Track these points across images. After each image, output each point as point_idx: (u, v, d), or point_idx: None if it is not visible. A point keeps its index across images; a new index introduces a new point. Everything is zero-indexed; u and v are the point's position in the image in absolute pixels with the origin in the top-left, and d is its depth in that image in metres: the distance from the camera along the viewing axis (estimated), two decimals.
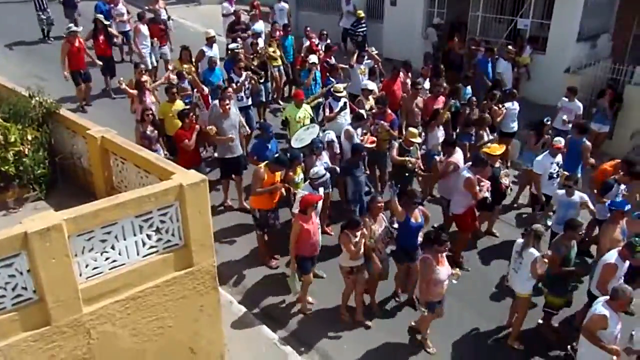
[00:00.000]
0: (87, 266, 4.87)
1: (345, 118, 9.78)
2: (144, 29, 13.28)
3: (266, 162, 7.67)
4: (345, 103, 9.80)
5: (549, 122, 9.50)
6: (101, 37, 12.74)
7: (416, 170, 8.86)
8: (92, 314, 4.92)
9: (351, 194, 8.25)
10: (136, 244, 5.11)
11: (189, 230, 5.31)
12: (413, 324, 7.02)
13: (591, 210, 7.59)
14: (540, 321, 7.05)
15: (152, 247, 5.21)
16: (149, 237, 5.16)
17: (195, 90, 10.39)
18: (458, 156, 8.53)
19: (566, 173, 8.22)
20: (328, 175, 7.86)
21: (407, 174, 8.62)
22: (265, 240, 8.04)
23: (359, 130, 9.11)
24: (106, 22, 13.19)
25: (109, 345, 5.12)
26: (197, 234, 5.36)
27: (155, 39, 13.53)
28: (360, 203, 8.24)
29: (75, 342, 4.90)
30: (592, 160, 9.03)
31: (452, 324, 7.01)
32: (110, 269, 5.01)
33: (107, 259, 4.96)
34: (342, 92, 9.87)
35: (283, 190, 7.79)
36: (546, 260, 6.33)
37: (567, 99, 10.59)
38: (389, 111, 9.77)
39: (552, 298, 6.70)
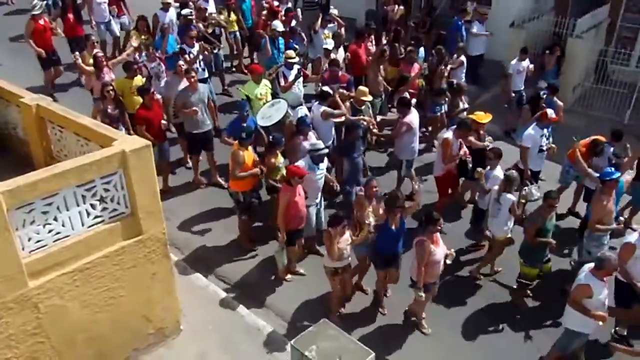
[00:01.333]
0: (29, 240, 4.71)
1: (299, 87, 9.43)
2: None
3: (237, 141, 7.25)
4: (299, 70, 9.37)
5: (545, 96, 9.04)
6: (70, 15, 11.48)
7: (370, 129, 8.74)
8: (38, 288, 4.80)
9: (347, 175, 7.96)
10: (80, 214, 4.97)
11: (135, 198, 5.19)
12: (407, 308, 6.72)
13: (482, 188, 7.26)
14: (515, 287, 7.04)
15: (97, 217, 5.08)
16: (93, 206, 5.02)
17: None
18: (413, 117, 8.37)
19: (553, 146, 8.04)
20: (326, 151, 7.37)
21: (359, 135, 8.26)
22: (248, 225, 7.72)
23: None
24: None
25: (59, 318, 5.03)
26: (144, 202, 5.25)
27: (114, 6, 12.50)
28: (357, 185, 7.85)
29: (24, 318, 4.79)
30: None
31: (440, 300, 6.87)
32: (54, 242, 4.87)
33: (50, 231, 4.81)
34: (293, 58, 9.42)
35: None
36: (523, 201, 6.96)
37: (518, 60, 10.34)
38: (341, 73, 9.59)
39: (526, 269, 6.69)
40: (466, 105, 9.35)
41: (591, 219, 6.64)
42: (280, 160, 7.46)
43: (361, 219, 6.35)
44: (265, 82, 9.10)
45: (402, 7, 13.05)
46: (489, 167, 7.28)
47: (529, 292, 6.98)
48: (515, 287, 6.95)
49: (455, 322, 6.69)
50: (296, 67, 9.39)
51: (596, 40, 12.24)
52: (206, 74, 10.14)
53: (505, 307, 6.91)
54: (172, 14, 11.36)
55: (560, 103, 8.98)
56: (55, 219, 4.82)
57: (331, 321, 6.13)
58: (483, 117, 8.24)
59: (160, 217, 5.49)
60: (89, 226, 5.06)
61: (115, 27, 12.43)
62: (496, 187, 6.95)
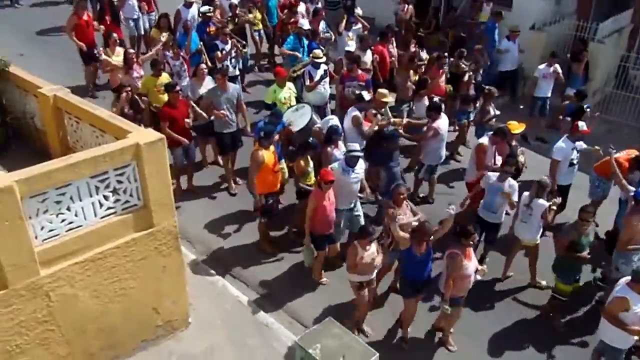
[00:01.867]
0: (42, 228, 4.77)
1: (325, 87, 9.30)
2: None
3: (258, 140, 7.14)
4: (325, 71, 9.22)
5: (589, 110, 8.80)
6: (107, 17, 11.15)
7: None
8: (50, 277, 4.86)
9: (384, 186, 7.66)
10: (93, 205, 5.02)
11: (147, 191, 5.23)
12: (432, 326, 6.55)
13: (511, 204, 6.98)
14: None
15: (109, 208, 5.12)
16: (106, 198, 5.07)
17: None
18: (442, 122, 8.22)
19: (597, 147, 7.73)
20: (361, 154, 7.14)
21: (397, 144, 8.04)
22: (268, 227, 7.62)
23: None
24: None
25: (69, 307, 5.08)
26: (156, 194, 5.29)
27: (143, 3, 12.26)
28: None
29: (34, 305, 4.85)
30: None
31: (466, 316, 6.66)
32: (67, 231, 4.92)
33: (63, 220, 4.86)
34: (321, 57, 9.20)
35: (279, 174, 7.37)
36: (554, 208, 6.88)
37: (547, 65, 10.12)
38: (360, 71, 9.47)
39: (560, 284, 6.55)
40: (497, 112, 9.14)
41: (621, 237, 6.46)
42: (311, 164, 7.34)
43: (392, 226, 6.22)
44: (289, 86, 8.89)
45: (411, 7, 12.93)
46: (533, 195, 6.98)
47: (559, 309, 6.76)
48: (548, 304, 6.80)
49: (481, 338, 6.52)
50: (323, 67, 9.24)
51: (618, 45, 12.08)
52: (237, 72, 10.13)
53: (534, 325, 6.75)
54: (194, 10, 11.34)
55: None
56: (69, 209, 4.87)
57: (360, 328, 6.18)
58: (517, 127, 8.03)
59: (172, 210, 5.53)
60: (102, 217, 5.11)
61: (143, 24, 12.29)
62: (526, 194, 6.95)
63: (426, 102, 9.18)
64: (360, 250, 5.85)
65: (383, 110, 8.47)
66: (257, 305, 6.69)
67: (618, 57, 11.92)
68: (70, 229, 4.94)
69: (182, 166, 8.38)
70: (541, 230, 7.01)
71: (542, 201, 6.77)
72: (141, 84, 8.81)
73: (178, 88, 8.10)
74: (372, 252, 5.92)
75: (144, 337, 5.82)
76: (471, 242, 5.89)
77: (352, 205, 7.15)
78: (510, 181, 7.02)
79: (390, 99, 8.76)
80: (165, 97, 8.21)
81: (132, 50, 9.55)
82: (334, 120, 8.13)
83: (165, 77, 8.81)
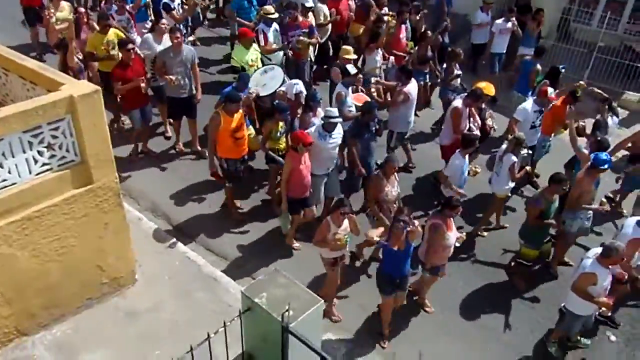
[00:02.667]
0: None
1: (279, 45, 8.97)
2: None
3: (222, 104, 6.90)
4: (276, 29, 8.90)
5: (564, 70, 8.84)
6: None
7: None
8: None
9: (358, 158, 7.37)
10: (27, 161, 4.82)
11: (85, 146, 5.04)
12: (409, 288, 6.47)
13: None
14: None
15: (45, 164, 4.93)
16: (40, 153, 4.86)
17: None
18: (412, 87, 8.06)
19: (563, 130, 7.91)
20: (340, 120, 6.94)
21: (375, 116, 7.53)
22: (232, 189, 7.43)
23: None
24: None
25: (8, 267, 4.93)
26: (94, 149, 5.11)
27: None
28: (369, 170, 7.40)
29: None
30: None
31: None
32: (0, 189, 4.72)
33: None
34: (272, 13, 8.82)
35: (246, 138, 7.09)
36: (528, 169, 7.31)
37: (505, 20, 10.19)
38: (301, 17, 9.25)
39: (526, 250, 6.68)
40: (460, 72, 9.08)
41: (571, 194, 6.58)
42: (280, 129, 7.12)
43: (381, 199, 6.17)
44: (255, 47, 8.45)
45: None
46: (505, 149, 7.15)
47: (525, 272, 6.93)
48: (512, 265, 6.97)
49: (452, 301, 6.66)
50: (275, 24, 8.88)
51: None
52: (184, 31, 9.60)
53: (503, 287, 6.91)
54: None
55: (539, 67, 8.89)
56: (1, 166, 4.66)
57: (328, 309, 6.14)
58: (490, 89, 7.95)
59: (112, 165, 5.36)
60: (37, 174, 4.92)
61: None
62: (504, 146, 7.12)
63: (378, 56, 9.00)
64: (333, 227, 5.69)
65: (349, 67, 8.13)
66: (206, 260, 6.68)
67: (560, 10, 12.14)
68: (4, 187, 4.73)
69: (141, 129, 8.10)
70: (511, 185, 7.21)
71: (512, 156, 6.97)
72: (88, 42, 8.20)
73: (131, 45, 7.61)
74: (345, 228, 5.76)
75: (88, 295, 5.72)
76: (455, 214, 5.89)
77: (329, 170, 7.08)
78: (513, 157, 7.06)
79: (354, 56, 8.48)
80: (118, 56, 7.77)
81: (81, 9, 8.87)
82: (299, 85, 7.78)
83: (113, 34, 8.22)
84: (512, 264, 6.98)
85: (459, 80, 9.03)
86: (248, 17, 9.79)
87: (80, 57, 8.15)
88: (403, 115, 8.09)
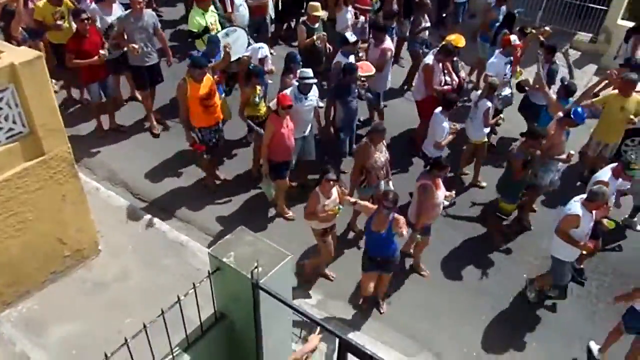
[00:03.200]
0: None
1: (244, 7, 8.46)
2: None
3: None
4: None
5: (518, 14, 8.71)
6: None
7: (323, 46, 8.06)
8: None
9: (340, 120, 7.14)
10: None
11: (32, 116, 4.84)
12: (402, 249, 6.38)
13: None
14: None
15: None
16: None
17: None
18: (389, 43, 7.78)
19: (522, 70, 7.82)
20: (315, 81, 6.69)
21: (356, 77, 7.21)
22: (210, 161, 7.09)
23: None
24: None
25: None
26: (42, 119, 4.91)
27: None
28: (351, 133, 7.28)
29: None
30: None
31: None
32: None
33: None
34: None
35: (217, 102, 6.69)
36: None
37: None
38: None
39: (504, 204, 6.66)
40: (428, 24, 8.86)
41: (542, 146, 6.46)
42: (259, 94, 6.81)
43: (369, 166, 6.08)
44: (212, 9, 7.90)
45: None
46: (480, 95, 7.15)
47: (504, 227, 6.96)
48: (489, 219, 6.98)
49: (434, 257, 6.63)
50: None
51: None
52: None
53: (481, 242, 6.91)
54: None
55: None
56: None
57: (322, 273, 6.20)
58: (460, 40, 7.74)
59: (63, 135, 5.18)
60: None
61: None
62: (478, 92, 7.12)
63: (349, 14, 8.69)
64: (322, 198, 5.52)
65: (317, 25, 8.03)
66: (170, 226, 6.60)
67: None
68: None
69: (99, 102, 7.70)
70: (486, 130, 7.21)
71: (487, 101, 6.96)
72: (35, 11, 7.53)
73: (85, 15, 7.03)
74: (334, 199, 5.61)
75: (52, 269, 5.61)
76: (444, 174, 5.88)
77: (306, 133, 6.89)
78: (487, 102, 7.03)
79: (323, 13, 8.17)
80: (67, 27, 7.36)
81: None
82: (264, 49, 7.44)
83: (67, 4, 7.67)
84: (489, 218, 7.02)
85: (427, 32, 8.87)
86: None
87: (25, 27, 7.66)
88: (385, 74, 7.89)
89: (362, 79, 7.22)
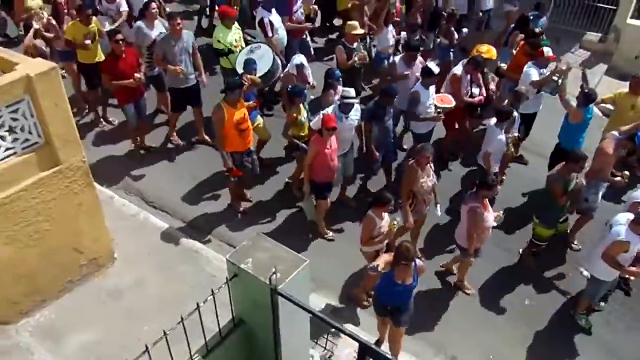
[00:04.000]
0: None
1: (283, 29, 8.23)
2: None
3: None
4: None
5: (533, 18, 8.58)
6: None
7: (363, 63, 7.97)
8: None
9: (374, 138, 6.95)
10: None
11: (47, 126, 4.87)
12: (441, 267, 6.47)
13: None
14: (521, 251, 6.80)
15: (8, 149, 4.77)
16: (2, 138, 4.69)
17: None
18: (418, 65, 7.58)
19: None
20: (357, 102, 6.60)
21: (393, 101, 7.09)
22: (238, 185, 6.96)
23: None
24: None
25: None
26: (58, 129, 4.94)
27: None
28: (386, 153, 7.12)
29: None
30: None
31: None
32: None
33: None
34: None
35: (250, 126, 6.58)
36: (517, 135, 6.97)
37: None
38: None
39: (541, 229, 6.31)
40: (457, 34, 8.70)
41: (592, 166, 6.31)
42: (304, 114, 6.77)
43: (416, 190, 5.92)
44: (237, 26, 7.87)
45: None
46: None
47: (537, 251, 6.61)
48: (526, 249, 6.67)
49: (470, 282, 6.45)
50: (275, 11, 8.11)
51: None
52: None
53: (515, 270, 6.67)
54: None
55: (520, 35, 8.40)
56: None
57: (360, 303, 6.05)
58: (490, 52, 7.58)
59: (78, 145, 5.21)
60: (1, 159, 4.76)
61: None
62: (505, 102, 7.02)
63: (390, 34, 8.60)
64: (377, 220, 5.45)
65: (356, 44, 7.92)
66: (185, 234, 6.62)
67: None
68: None
69: (136, 124, 7.65)
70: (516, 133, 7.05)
71: (514, 112, 6.78)
72: (66, 30, 7.54)
73: (120, 36, 7.02)
74: (386, 220, 5.55)
75: (68, 278, 5.63)
76: (492, 193, 5.68)
77: (346, 150, 6.84)
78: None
79: (361, 31, 8.02)
80: (92, 46, 7.47)
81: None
82: (300, 57, 7.43)
83: (96, 24, 7.68)
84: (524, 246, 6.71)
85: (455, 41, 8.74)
86: None
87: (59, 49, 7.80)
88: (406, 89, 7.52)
89: (439, 110, 7.06)
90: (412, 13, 9.11)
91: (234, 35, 7.69)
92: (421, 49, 8.12)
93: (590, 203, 6.43)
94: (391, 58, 8.38)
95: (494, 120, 6.70)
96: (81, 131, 7.78)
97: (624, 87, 7.51)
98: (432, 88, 7.10)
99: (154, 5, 7.67)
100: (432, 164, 6.17)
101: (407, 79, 7.46)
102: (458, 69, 7.48)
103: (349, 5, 9.44)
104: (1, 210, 4.80)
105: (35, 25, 7.53)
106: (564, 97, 7.01)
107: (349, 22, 8.05)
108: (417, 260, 4.96)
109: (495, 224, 5.83)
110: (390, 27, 8.67)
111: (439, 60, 8.78)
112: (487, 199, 5.67)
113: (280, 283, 3.38)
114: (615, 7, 10.67)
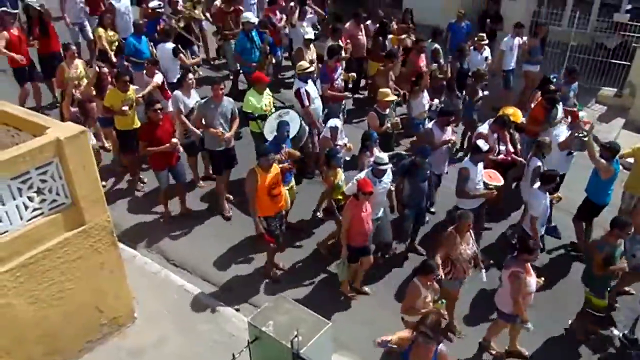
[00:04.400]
0: None
1: (319, 99, 8.40)
2: None
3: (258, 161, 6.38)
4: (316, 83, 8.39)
5: (555, 80, 8.76)
6: (37, 30, 9.59)
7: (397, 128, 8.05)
8: None
9: (406, 197, 6.91)
10: (18, 208, 4.76)
11: (75, 187, 5.00)
12: (484, 341, 6.17)
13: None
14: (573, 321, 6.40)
15: (36, 209, 4.87)
16: (30, 199, 4.81)
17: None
18: (449, 132, 7.63)
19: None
20: (390, 166, 6.60)
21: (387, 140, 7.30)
22: (274, 250, 6.84)
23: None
24: (38, 6, 9.64)
25: (5, 317, 4.84)
26: (84, 190, 5.07)
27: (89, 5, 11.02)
28: (418, 212, 7.04)
29: None
30: None
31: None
32: None
33: None
34: (308, 68, 8.19)
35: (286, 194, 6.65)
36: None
37: (512, 36, 10.11)
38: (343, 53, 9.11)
39: (595, 299, 5.98)
40: (486, 92, 8.89)
41: (636, 222, 6.10)
42: (341, 177, 6.85)
43: (454, 257, 5.78)
44: (268, 91, 8.08)
45: None
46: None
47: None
48: (579, 316, 6.27)
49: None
50: (311, 81, 8.29)
51: (530, 1, 12.52)
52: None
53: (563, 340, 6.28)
54: (126, 1, 10.54)
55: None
56: None
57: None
58: (516, 114, 7.67)
59: (103, 204, 5.32)
60: (28, 220, 4.85)
61: (89, 29, 11.02)
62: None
63: (425, 99, 8.70)
64: (422, 290, 5.28)
65: (388, 111, 7.97)
66: (205, 292, 6.61)
67: (530, 13, 12.38)
68: None
69: (169, 189, 7.64)
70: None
71: (537, 160, 6.96)
72: (105, 97, 7.73)
73: (159, 106, 7.16)
74: (436, 289, 5.43)
75: (89, 338, 5.63)
76: (534, 258, 5.54)
77: (379, 214, 6.81)
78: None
79: (394, 97, 8.11)
80: (130, 114, 7.71)
81: (104, 69, 8.18)
82: (335, 120, 7.54)
83: (133, 91, 7.86)
84: (578, 318, 6.33)
85: (480, 102, 8.89)
86: (251, 58, 9.44)
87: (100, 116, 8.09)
88: (443, 154, 7.65)
89: (490, 187, 6.86)
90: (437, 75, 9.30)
91: (265, 99, 7.90)
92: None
93: (638, 259, 6.23)
94: (426, 123, 8.48)
95: (537, 184, 6.62)
96: (116, 193, 8.19)
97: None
98: (481, 164, 6.88)
99: (190, 75, 7.90)
100: (472, 232, 5.99)
101: (448, 144, 7.51)
102: (484, 128, 7.56)
103: (375, 71, 9.67)
104: (27, 270, 4.87)
105: (76, 93, 7.80)
106: (594, 154, 6.98)
107: (380, 90, 8.13)
108: (441, 346, 4.46)
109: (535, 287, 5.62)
110: (425, 93, 8.74)
111: (463, 119, 8.97)
112: (529, 263, 5.51)
113: (302, 347, 3.37)
114: (629, 63, 10.82)
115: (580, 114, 7.57)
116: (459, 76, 9.55)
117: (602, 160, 6.83)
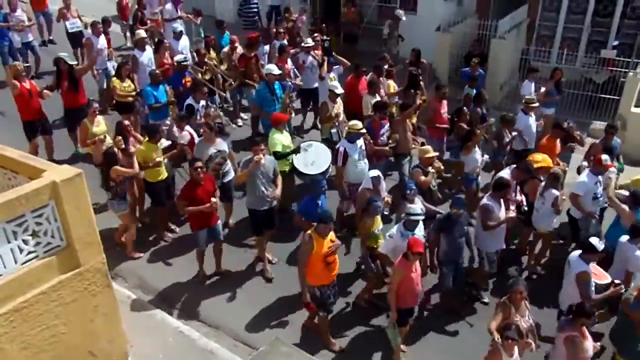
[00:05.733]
0: None
1: (364, 161, 8.07)
2: (102, 41, 11.00)
3: (314, 226, 6.06)
4: (362, 143, 8.11)
5: (571, 125, 8.80)
6: (65, 83, 9.56)
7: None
8: None
9: (443, 254, 6.78)
10: (12, 251, 4.70)
11: (70, 230, 4.97)
12: None
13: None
14: None
15: (30, 252, 4.81)
16: (25, 242, 4.77)
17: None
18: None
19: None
20: (423, 217, 6.48)
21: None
22: (324, 318, 6.50)
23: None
24: (72, 62, 9.77)
25: None
26: (79, 233, 5.04)
27: (111, 49, 11.47)
28: (456, 271, 6.85)
29: None
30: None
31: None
32: None
33: None
34: (360, 128, 8.00)
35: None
36: (564, 198, 7.20)
37: (530, 80, 10.30)
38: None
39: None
40: (512, 135, 8.79)
41: None
42: (379, 225, 6.67)
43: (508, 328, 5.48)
44: (286, 130, 8.22)
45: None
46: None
47: None
48: None
49: None
50: (359, 141, 8.02)
51: (518, 40, 12.82)
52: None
53: None
54: (149, 52, 10.63)
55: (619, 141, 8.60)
56: None
57: None
58: (540, 161, 7.61)
59: (98, 247, 5.28)
60: (23, 263, 4.79)
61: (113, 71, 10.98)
62: (542, 184, 7.31)
63: (477, 154, 8.45)
64: (505, 357, 5.10)
65: (430, 168, 7.70)
66: (200, 333, 6.52)
67: (519, 50, 12.66)
68: None
69: (203, 249, 7.49)
70: (555, 220, 7.33)
71: (554, 191, 7.12)
72: (137, 153, 7.63)
73: (200, 164, 7.01)
74: (516, 357, 5.20)
75: None
76: (591, 322, 5.35)
77: None
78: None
79: (436, 153, 7.92)
80: (162, 170, 7.75)
81: (126, 122, 8.16)
82: (376, 171, 7.38)
83: (160, 144, 7.85)
84: None
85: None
86: (271, 110, 9.22)
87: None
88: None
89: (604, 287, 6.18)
90: (458, 125, 9.12)
91: (285, 137, 8.07)
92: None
93: None
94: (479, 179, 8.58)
95: (625, 237, 6.36)
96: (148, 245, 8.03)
97: (635, 172, 7.81)
98: (592, 265, 6.16)
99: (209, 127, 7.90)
100: (527, 302, 5.67)
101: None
102: (505, 172, 7.42)
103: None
104: (20, 314, 4.78)
105: (102, 148, 7.74)
106: (615, 201, 7.03)
107: (421, 148, 8.03)
108: None
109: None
110: (477, 148, 8.54)
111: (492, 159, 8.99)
112: (585, 326, 5.29)
113: None
114: (618, 97, 11.01)
115: (604, 157, 7.38)
116: (481, 122, 9.38)
117: (624, 207, 6.82)
